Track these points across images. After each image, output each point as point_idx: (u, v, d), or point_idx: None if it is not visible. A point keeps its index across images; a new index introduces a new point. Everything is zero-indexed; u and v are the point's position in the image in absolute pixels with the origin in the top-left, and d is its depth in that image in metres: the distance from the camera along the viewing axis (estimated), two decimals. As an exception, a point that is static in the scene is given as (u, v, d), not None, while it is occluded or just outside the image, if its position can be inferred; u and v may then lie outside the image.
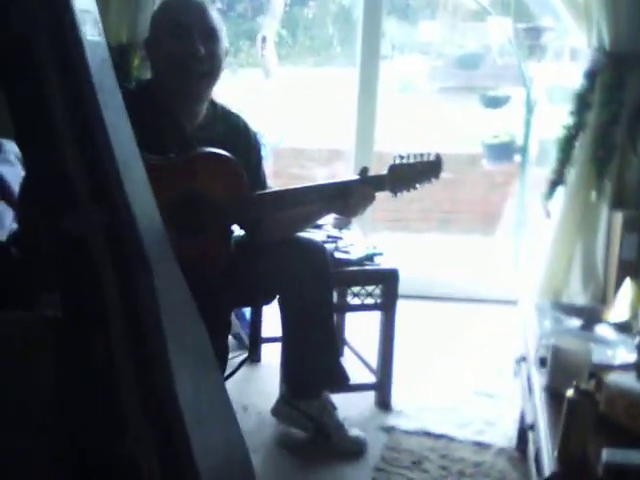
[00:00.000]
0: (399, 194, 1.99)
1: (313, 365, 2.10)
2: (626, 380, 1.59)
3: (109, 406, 1.40)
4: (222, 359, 1.89)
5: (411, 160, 1.96)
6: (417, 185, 1.97)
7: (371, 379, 2.42)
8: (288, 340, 2.15)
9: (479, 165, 4.07)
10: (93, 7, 1.51)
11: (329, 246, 2.27)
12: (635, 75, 2.67)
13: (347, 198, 1.92)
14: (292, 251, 2.02)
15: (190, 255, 1.76)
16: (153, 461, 1.37)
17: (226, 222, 1.97)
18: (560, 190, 2.74)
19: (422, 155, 1.97)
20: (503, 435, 2.21)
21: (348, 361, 2.57)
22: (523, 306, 2.27)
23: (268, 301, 2.17)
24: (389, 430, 2.25)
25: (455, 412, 2.36)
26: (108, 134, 1.40)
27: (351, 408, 2.30)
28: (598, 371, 1.64)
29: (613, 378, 1.58)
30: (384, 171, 1.98)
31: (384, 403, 2.37)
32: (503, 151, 3.76)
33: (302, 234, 2.12)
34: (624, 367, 1.71)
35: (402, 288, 2.33)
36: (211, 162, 1.91)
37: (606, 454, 1.44)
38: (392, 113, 4.56)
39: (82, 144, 1.39)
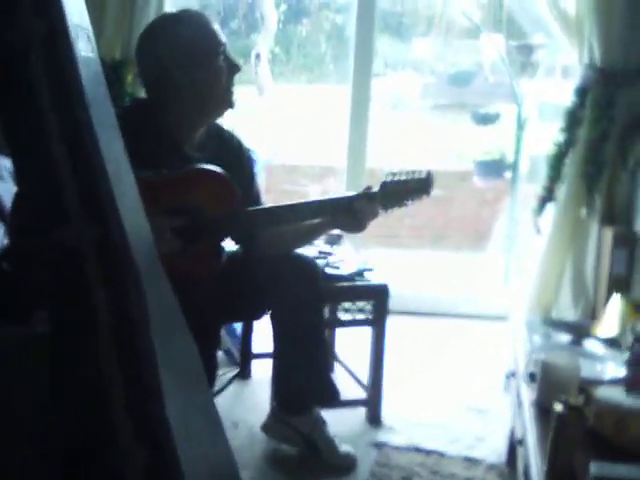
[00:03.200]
0: (390, 210, 2.00)
1: (304, 380, 2.10)
2: (615, 395, 1.60)
3: (98, 421, 1.40)
4: (211, 375, 1.89)
5: (402, 177, 1.98)
6: (408, 202, 1.99)
7: (362, 395, 2.42)
8: (279, 355, 2.15)
9: (470, 182, 4.10)
10: (87, 23, 1.52)
11: (320, 261, 2.28)
12: (625, 91, 2.70)
13: (356, 214, 1.94)
14: (284, 266, 2.03)
15: (180, 270, 1.77)
16: (140, 477, 1.37)
17: (218, 237, 1.98)
18: (550, 206, 2.76)
19: (413, 172, 1.98)
20: (493, 451, 2.21)
21: (339, 377, 2.57)
22: (513, 322, 2.28)
23: (259, 316, 2.18)
24: (379, 446, 2.25)
25: (445, 428, 2.36)
26: (100, 149, 1.40)
27: (342, 424, 2.30)
28: (587, 386, 1.65)
29: (602, 393, 1.59)
30: (376, 188, 1.99)
31: (374, 419, 2.37)
32: (494, 168, 3.79)
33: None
34: (613, 382, 1.72)
35: (393, 304, 2.34)
36: (203, 178, 1.92)
37: (594, 468, 1.44)
38: (385, 130, 4.60)
39: (74, 159, 1.39)
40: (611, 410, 1.56)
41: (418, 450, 2.22)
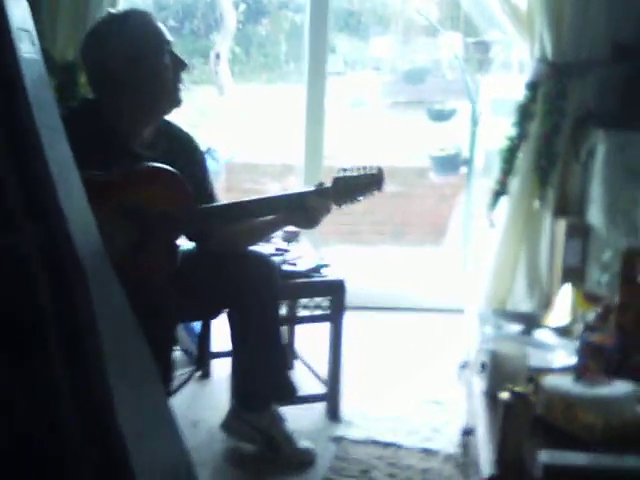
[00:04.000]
0: (343, 206, 2.02)
1: (261, 377, 2.11)
2: (563, 383, 1.63)
3: (48, 423, 1.39)
4: (167, 375, 1.89)
5: (354, 173, 2.00)
6: (360, 197, 2.00)
7: (322, 390, 2.43)
8: (236, 354, 2.15)
9: (428, 178, 4.14)
10: (30, 25, 1.51)
11: (277, 259, 2.28)
12: (576, 84, 2.75)
13: (308, 210, 1.95)
14: (240, 264, 2.03)
15: (133, 269, 1.76)
16: (91, 477, 1.36)
17: (171, 235, 1.97)
18: (504, 200, 2.80)
19: (365, 168, 2.00)
20: (450, 441, 2.24)
21: (299, 373, 2.58)
22: (467, 314, 2.31)
23: (215, 315, 2.18)
24: (338, 440, 2.27)
25: (403, 420, 2.39)
26: (44, 151, 1.40)
27: (301, 420, 2.31)
28: (536, 375, 1.68)
29: (550, 381, 1.62)
30: (328, 184, 2.01)
31: (334, 414, 2.39)
32: (450, 163, 3.83)
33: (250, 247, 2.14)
34: (562, 370, 1.75)
35: (353, 299, 2.36)
36: (153, 176, 1.91)
37: (543, 456, 1.47)
38: (345, 128, 4.62)
39: (17, 161, 1.39)
40: (559, 398, 1.60)
41: (376, 443, 2.25)
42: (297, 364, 2.68)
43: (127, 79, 1.89)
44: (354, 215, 4.17)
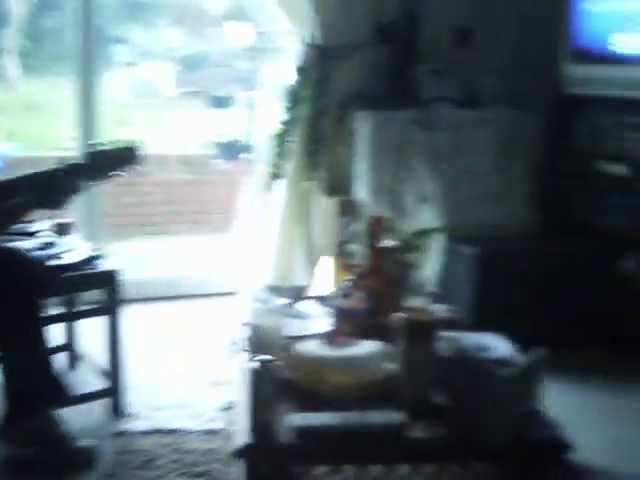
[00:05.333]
0: (98, 182, 2.00)
1: (28, 380, 2.02)
2: (312, 348, 1.72)
3: None
4: None
5: (106, 147, 1.99)
6: (114, 172, 1.99)
7: (105, 386, 2.38)
8: (4, 357, 2.05)
9: (216, 165, 4.17)
10: None
11: (40, 253, 2.20)
12: (340, 68, 2.88)
13: (55, 188, 1.89)
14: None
15: None
16: None
17: None
18: (280, 183, 2.89)
19: (118, 142, 2.00)
20: (232, 420, 2.28)
21: (83, 371, 2.52)
22: (244, 293, 2.36)
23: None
24: (122, 434, 2.24)
25: (188, 406, 2.40)
26: None
27: (85, 418, 2.25)
28: (290, 343, 1.76)
29: (300, 347, 1.71)
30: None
31: (118, 408, 2.35)
32: (232, 150, 3.89)
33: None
34: (317, 336, 1.84)
35: (141, 291, 2.32)
36: None
37: (293, 419, 1.55)
38: (134, 119, 4.54)
39: None
40: (309, 362, 1.68)
41: (160, 432, 2.24)
42: (83, 362, 2.61)
43: None
44: (151, 206, 4.12)
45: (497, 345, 1.72)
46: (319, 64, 2.87)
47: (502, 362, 1.48)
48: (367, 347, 1.73)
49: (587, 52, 2.91)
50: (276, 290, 2.27)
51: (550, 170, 3.06)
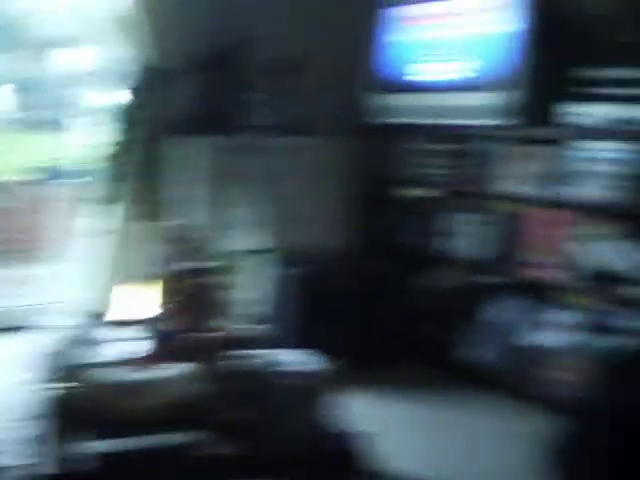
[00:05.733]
0: None
1: None
2: (111, 374, 1.68)
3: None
4: None
5: None
6: None
7: None
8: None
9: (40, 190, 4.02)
10: None
11: None
12: (171, 92, 2.93)
13: None
14: None
15: None
16: None
17: None
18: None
19: None
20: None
21: None
22: (54, 324, 2.29)
23: None
24: None
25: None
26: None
27: None
28: (91, 370, 1.72)
29: (99, 374, 1.66)
30: None
31: None
32: (60, 174, 3.84)
33: None
34: (125, 362, 1.80)
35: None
36: None
37: (92, 446, 1.52)
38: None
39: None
40: (104, 388, 1.64)
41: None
42: None
43: None
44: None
45: (299, 360, 1.79)
46: (153, 87, 2.89)
47: (291, 375, 1.55)
48: (174, 369, 1.74)
49: (389, 82, 3.07)
50: (92, 317, 2.23)
51: (360, 195, 3.23)
